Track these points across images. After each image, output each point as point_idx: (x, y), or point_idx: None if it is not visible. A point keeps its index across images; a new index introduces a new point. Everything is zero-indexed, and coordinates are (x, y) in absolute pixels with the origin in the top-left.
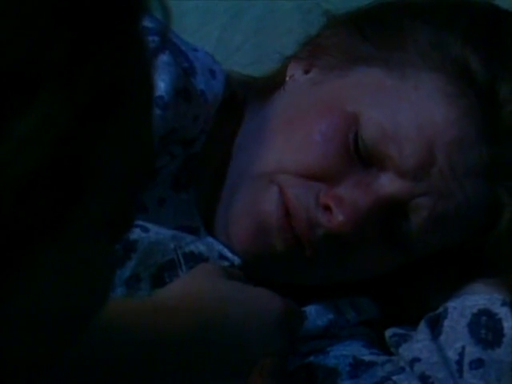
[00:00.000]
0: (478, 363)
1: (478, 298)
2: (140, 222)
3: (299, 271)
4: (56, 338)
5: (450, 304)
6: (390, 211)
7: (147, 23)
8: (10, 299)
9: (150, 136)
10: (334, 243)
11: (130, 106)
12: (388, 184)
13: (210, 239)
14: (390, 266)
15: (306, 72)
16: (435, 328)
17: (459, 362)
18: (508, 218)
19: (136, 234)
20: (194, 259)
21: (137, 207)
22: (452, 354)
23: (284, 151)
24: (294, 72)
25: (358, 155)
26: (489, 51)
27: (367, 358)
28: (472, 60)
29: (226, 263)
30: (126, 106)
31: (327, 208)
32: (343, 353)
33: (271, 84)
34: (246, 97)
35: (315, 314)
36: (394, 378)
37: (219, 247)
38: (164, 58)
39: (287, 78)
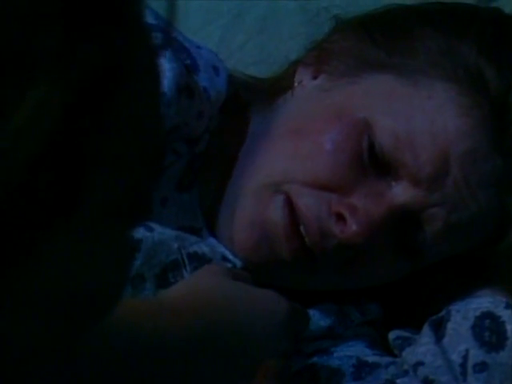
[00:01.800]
0: (481, 366)
1: (482, 300)
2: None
3: (305, 279)
4: (69, 326)
5: (454, 307)
6: (403, 221)
7: (151, 20)
8: (25, 285)
9: (158, 119)
10: (345, 253)
11: (132, 89)
12: (402, 193)
13: (213, 240)
14: (399, 275)
15: (314, 78)
16: (439, 331)
17: (463, 365)
18: None
19: (140, 232)
20: (198, 260)
21: (153, 193)
22: (456, 357)
23: (292, 160)
24: (303, 77)
25: (372, 163)
26: (502, 61)
27: (371, 358)
28: (486, 70)
29: (229, 265)
30: (127, 89)
31: (340, 217)
32: (347, 353)
33: (277, 87)
34: (250, 97)
35: (319, 315)
36: (398, 381)
37: (221, 249)
38: (166, 54)
39: (295, 84)
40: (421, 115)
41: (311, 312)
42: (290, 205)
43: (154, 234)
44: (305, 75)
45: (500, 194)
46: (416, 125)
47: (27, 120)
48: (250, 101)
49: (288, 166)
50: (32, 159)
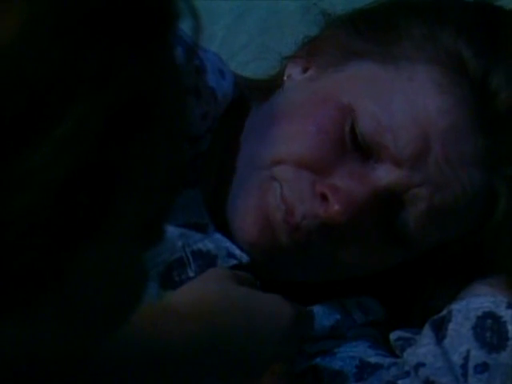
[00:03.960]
0: (482, 367)
1: (483, 300)
2: None
3: (302, 266)
4: (91, 334)
5: (455, 307)
6: (387, 203)
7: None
8: (54, 300)
9: (183, 144)
10: (330, 234)
11: (163, 113)
12: (384, 174)
13: (219, 236)
14: (390, 262)
15: (305, 71)
16: (440, 331)
17: (464, 366)
18: (504, 207)
19: None
20: (203, 257)
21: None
22: (457, 358)
23: (279, 143)
24: (292, 71)
25: (355, 146)
26: (481, 42)
27: (373, 359)
28: (465, 51)
29: (234, 261)
30: (159, 112)
31: (324, 197)
32: (350, 354)
33: (271, 85)
34: (251, 97)
35: (322, 314)
36: (399, 382)
37: (227, 244)
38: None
39: (285, 78)
40: (401, 97)
41: (314, 311)
42: (283, 191)
43: None
44: (294, 69)
45: (485, 173)
46: (397, 107)
47: (66, 138)
48: (250, 100)
49: (276, 148)
50: (68, 175)
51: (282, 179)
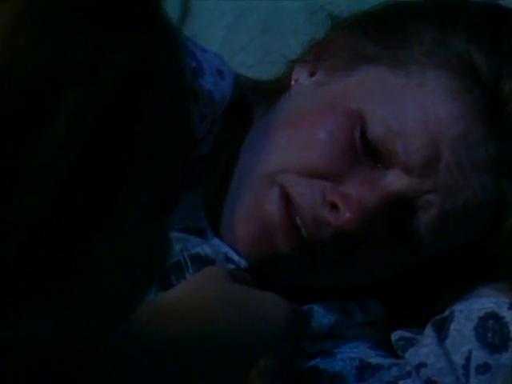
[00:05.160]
0: (484, 368)
1: (485, 301)
2: None
3: (304, 274)
4: (107, 320)
5: (457, 307)
6: (398, 209)
7: None
8: (73, 285)
9: (188, 121)
10: (341, 243)
11: (161, 96)
12: (394, 181)
13: (217, 241)
14: (398, 268)
15: (312, 75)
16: (441, 331)
17: (465, 367)
18: None
19: None
20: (201, 261)
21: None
22: (458, 359)
23: (287, 150)
24: (299, 76)
25: (365, 152)
26: (493, 48)
27: (374, 360)
28: (476, 56)
29: (232, 266)
30: (156, 96)
31: (334, 206)
32: (350, 355)
33: (277, 88)
34: (254, 99)
35: (322, 313)
36: (400, 382)
37: (225, 249)
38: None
39: (292, 82)
40: (412, 103)
41: (314, 310)
42: (285, 197)
43: None
44: (301, 73)
45: (496, 180)
46: (407, 113)
47: (62, 134)
48: (253, 103)
49: (282, 156)
50: (71, 170)
51: (289, 185)
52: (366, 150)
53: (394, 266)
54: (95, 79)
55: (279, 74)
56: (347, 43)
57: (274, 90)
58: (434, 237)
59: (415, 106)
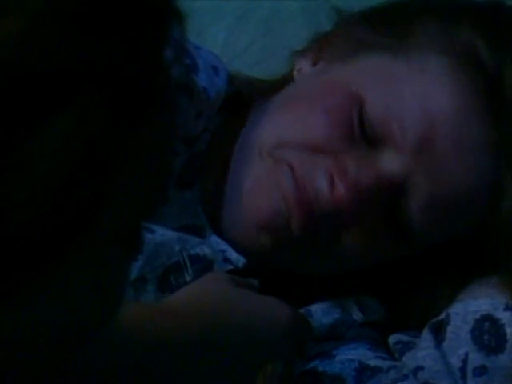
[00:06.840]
0: (481, 370)
1: (481, 302)
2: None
3: (306, 257)
4: (69, 341)
5: (453, 310)
6: (392, 191)
7: None
8: (35, 302)
9: (172, 145)
10: (336, 221)
11: (160, 110)
12: (389, 162)
13: (215, 238)
14: (393, 253)
15: (314, 64)
16: (438, 334)
17: (462, 369)
18: (509, 203)
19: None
20: (200, 262)
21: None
22: (455, 361)
23: (285, 125)
24: (302, 65)
25: (362, 134)
26: (496, 36)
27: (372, 362)
28: (479, 43)
29: (230, 266)
30: (156, 110)
31: (331, 180)
32: (349, 357)
33: (280, 83)
34: (253, 96)
35: (321, 313)
36: None
37: (224, 247)
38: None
39: (295, 73)
40: (412, 88)
41: (313, 310)
42: (295, 174)
43: (155, 235)
44: (304, 63)
45: (493, 166)
46: (406, 98)
47: (66, 131)
48: (252, 99)
49: (282, 130)
50: (66, 169)
51: (289, 161)
52: (363, 132)
53: (389, 250)
54: (108, 85)
55: (282, 74)
56: (352, 34)
57: (277, 85)
58: (427, 219)
59: (415, 90)
